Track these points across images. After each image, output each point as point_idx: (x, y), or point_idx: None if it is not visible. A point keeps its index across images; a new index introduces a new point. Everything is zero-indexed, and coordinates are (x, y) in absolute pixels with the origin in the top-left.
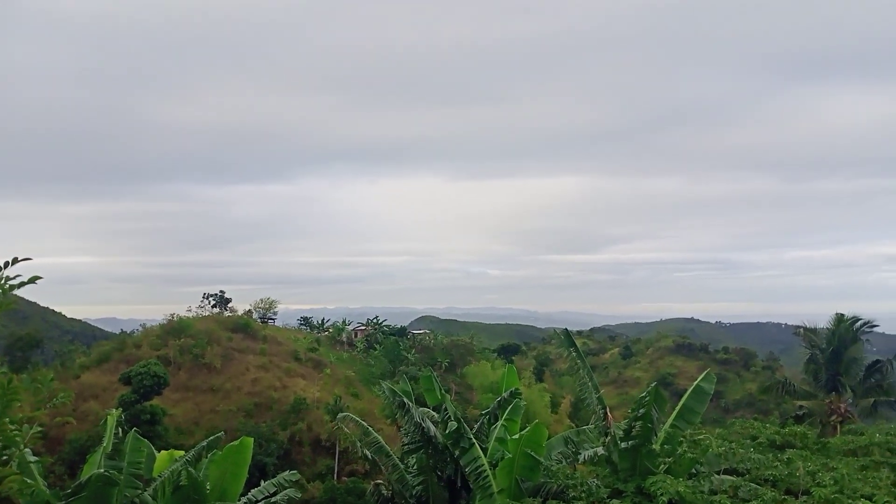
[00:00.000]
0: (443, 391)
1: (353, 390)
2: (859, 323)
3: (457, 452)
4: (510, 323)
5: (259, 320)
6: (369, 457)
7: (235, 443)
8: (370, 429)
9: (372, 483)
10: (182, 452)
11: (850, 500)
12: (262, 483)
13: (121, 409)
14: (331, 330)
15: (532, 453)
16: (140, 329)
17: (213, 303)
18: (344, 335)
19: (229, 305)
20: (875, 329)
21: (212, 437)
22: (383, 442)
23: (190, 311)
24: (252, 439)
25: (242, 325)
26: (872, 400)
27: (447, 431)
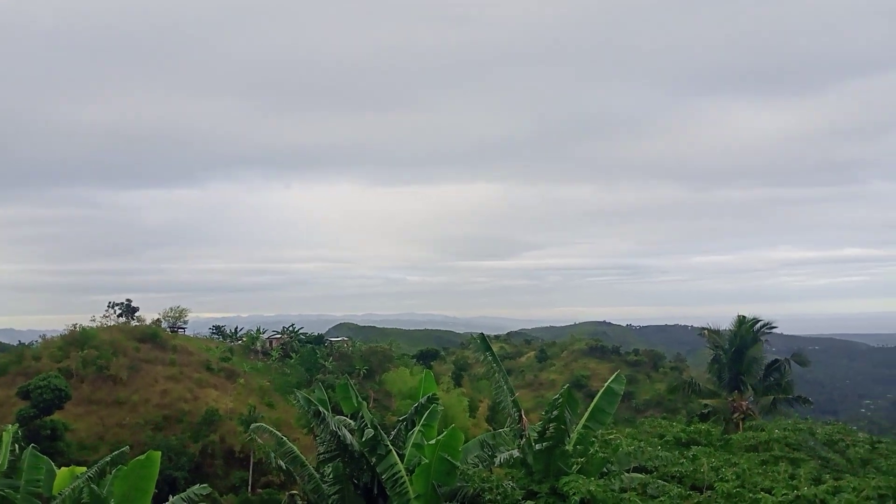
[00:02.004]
0: (359, 399)
1: (267, 400)
2: (759, 324)
3: (373, 460)
4: (429, 329)
5: (169, 330)
6: (284, 467)
7: (142, 457)
8: (285, 439)
9: (286, 494)
10: (84, 469)
11: (750, 494)
12: (171, 498)
13: (18, 424)
14: (245, 339)
15: (448, 458)
16: (40, 340)
17: (118, 312)
18: (258, 344)
19: (136, 315)
20: (774, 330)
21: (116, 452)
22: (298, 452)
23: (94, 321)
24: (159, 453)
25: (151, 335)
26: (772, 398)
27: (363, 439)
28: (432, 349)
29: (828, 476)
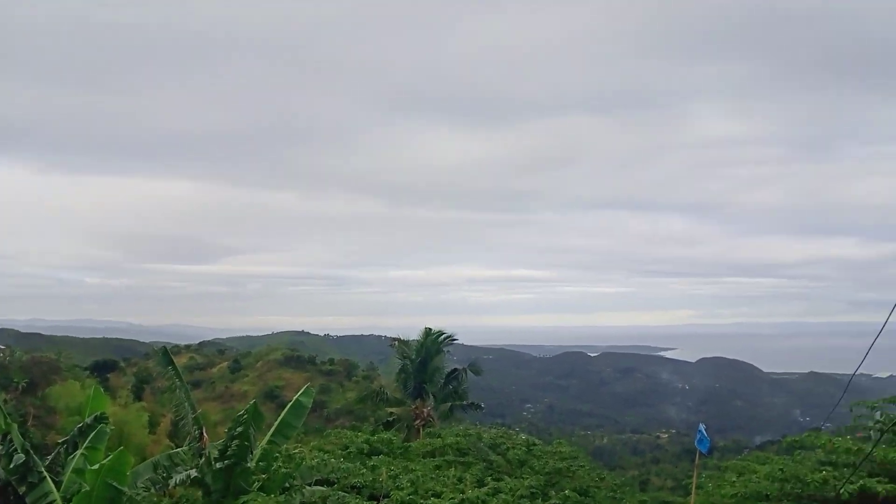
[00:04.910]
0: (9, 419)
1: None
2: (443, 336)
3: (23, 489)
4: (109, 337)
5: None
6: None
7: None
8: None
9: None
10: None
11: (422, 500)
12: None
13: None
14: None
15: (114, 483)
16: None
17: None
18: None
19: None
20: (456, 341)
21: None
22: None
23: None
24: None
25: None
26: (450, 404)
27: (11, 465)
28: (110, 360)
29: (489, 478)
